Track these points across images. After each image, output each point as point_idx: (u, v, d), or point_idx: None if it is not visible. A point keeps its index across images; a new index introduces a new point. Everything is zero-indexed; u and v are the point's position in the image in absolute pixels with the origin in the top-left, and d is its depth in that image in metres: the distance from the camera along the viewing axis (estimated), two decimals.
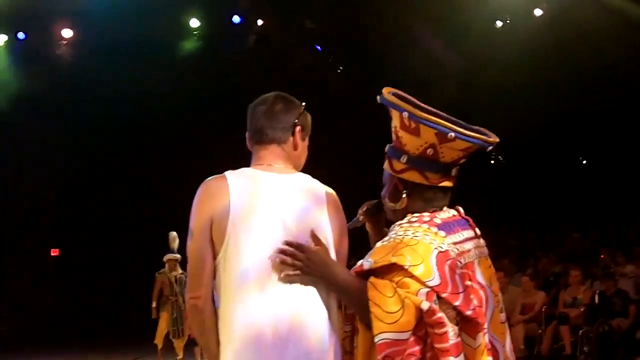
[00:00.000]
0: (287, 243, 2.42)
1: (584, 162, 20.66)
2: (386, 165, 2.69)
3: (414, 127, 2.54)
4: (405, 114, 2.54)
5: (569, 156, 19.54)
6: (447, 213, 2.65)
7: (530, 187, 18.08)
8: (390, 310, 2.34)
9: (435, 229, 2.52)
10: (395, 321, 2.33)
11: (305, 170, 2.69)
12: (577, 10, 12.46)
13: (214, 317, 2.42)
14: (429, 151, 2.58)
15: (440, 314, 2.34)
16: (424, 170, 2.61)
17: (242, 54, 14.69)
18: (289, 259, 2.41)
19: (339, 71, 16.35)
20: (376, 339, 2.34)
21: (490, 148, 2.61)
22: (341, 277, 2.48)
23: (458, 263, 2.50)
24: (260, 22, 14.57)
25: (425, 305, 2.33)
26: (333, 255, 2.51)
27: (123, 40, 13.10)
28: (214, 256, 2.41)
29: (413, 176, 2.61)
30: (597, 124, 16.36)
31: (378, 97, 2.68)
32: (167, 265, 10.81)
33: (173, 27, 14.20)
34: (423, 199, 2.63)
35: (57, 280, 16.61)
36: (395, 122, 2.62)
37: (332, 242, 2.51)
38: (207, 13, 14.32)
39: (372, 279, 2.42)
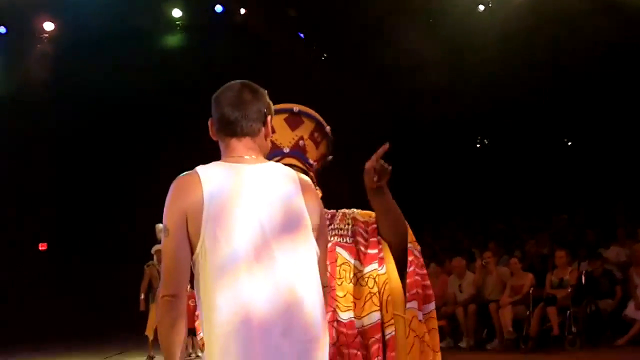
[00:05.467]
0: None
1: (569, 143, 20.72)
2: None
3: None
4: (296, 109, 3.12)
5: (553, 138, 19.60)
6: None
7: (515, 170, 18.12)
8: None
9: None
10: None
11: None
12: None
13: (185, 319, 2.37)
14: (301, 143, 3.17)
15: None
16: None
17: (225, 43, 14.62)
18: None
19: (322, 59, 16.31)
20: (409, 245, 3.00)
21: (327, 128, 3.19)
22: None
23: None
24: (242, 11, 14.51)
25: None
26: (313, 240, 2.48)
27: (104, 31, 13.01)
28: (192, 252, 2.36)
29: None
30: (581, 105, 16.40)
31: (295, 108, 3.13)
32: (155, 257, 10.79)
33: (155, 17, 14.12)
34: None
35: (46, 274, 16.55)
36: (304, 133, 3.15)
37: (311, 227, 2.48)
38: (189, 3, 14.25)
39: None
